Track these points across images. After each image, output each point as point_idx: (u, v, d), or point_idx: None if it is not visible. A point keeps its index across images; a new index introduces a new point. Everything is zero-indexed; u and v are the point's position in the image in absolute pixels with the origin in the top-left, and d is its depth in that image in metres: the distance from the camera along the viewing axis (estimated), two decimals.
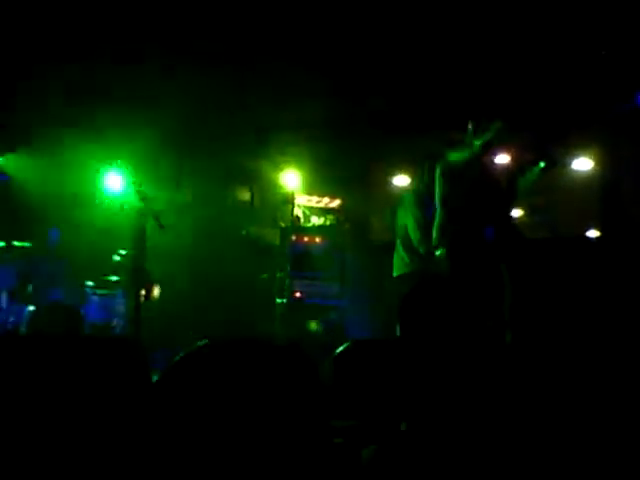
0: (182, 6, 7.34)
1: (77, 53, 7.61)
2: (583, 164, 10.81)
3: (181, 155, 11.63)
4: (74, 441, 3.56)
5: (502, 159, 10.25)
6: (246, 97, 9.55)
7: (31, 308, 7.37)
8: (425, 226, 6.30)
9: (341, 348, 3.72)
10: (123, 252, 7.87)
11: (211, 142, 11.39)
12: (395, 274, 6.53)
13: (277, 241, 9.86)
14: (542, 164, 10.70)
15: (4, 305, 7.36)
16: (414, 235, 6.44)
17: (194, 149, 11.63)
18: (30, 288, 7.63)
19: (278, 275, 9.34)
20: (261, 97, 9.62)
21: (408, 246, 6.47)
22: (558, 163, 10.61)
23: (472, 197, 6.19)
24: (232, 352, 2.71)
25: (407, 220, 6.55)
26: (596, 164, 10.77)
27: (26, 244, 7.57)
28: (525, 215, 10.04)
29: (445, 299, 4.62)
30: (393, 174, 11.75)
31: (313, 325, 7.62)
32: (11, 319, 7.30)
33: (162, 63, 7.94)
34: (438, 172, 6.10)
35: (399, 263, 6.53)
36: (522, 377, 4.41)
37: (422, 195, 6.35)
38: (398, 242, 6.58)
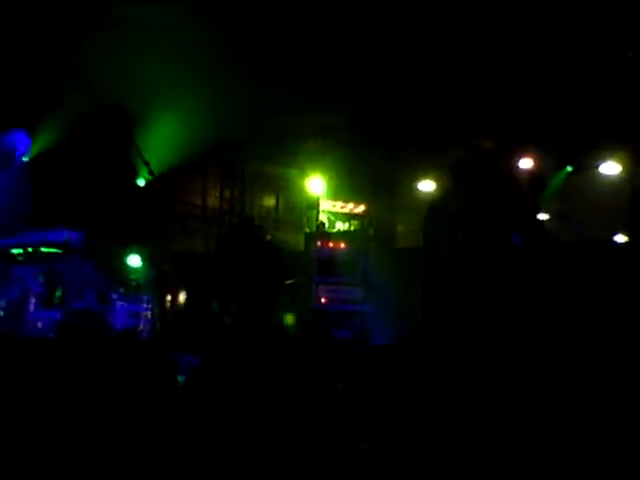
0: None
1: None
2: (611, 168, 10.71)
3: (207, 162, 11.76)
4: (102, 438, 3.62)
5: (527, 163, 10.25)
6: (271, 104, 9.60)
7: (59, 314, 7.44)
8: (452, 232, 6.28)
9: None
10: (147, 257, 7.92)
11: (238, 150, 11.49)
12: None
13: (302, 246, 9.87)
14: (569, 168, 10.68)
15: (32, 310, 7.44)
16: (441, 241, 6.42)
17: (220, 157, 11.73)
18: (58, 294, 7.71)
19: (302, 280, 9.35)
20: (287, 104, 9.67)
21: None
22: (585, 167, 10.56)
23: (494, 202, 6.18)
24: None
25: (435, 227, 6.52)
26: (624, 168, 10.67)
27: (54, 250, 7.65)
28: (551, 219, 9.95)
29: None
30: (418, 179, 11.75)
31: (289, 318, 7.60)
32: (39, 324, 7.37)
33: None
34: (459, 179, 6.12)
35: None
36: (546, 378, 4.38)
37: (449, 202, 6.32)
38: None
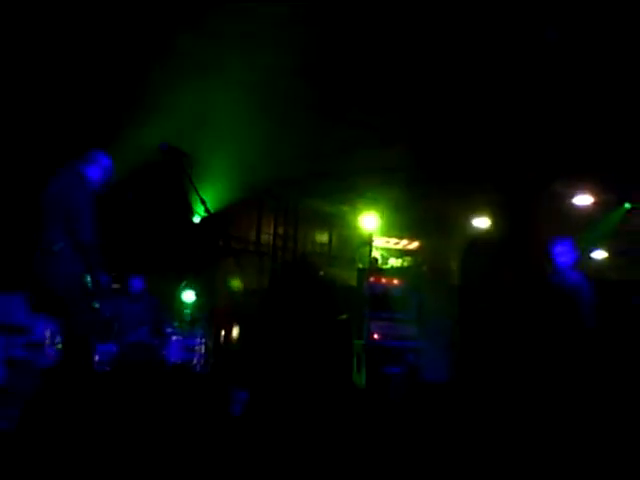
0: None
1: None
2: None
3: (262, 198, 11.90)
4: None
5: (584, 200, 10.10)
6: (327, 142, 9.70)
7: (115, 348, 7.57)
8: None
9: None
10: (202, 292, 8.05)
11: (292, 187, 11.62)
12: None
13: (354, 282, 9.88)
14: (627, 205, 10.48)
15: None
16: None
17: (274, 193, 11.87)
18: (115, 328, 7.86)
19: (356, 316, 9.34)
20: (342, 142, 9.76)
21: None
22: None
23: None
24: None
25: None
26: None
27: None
28: (610, 257, 9.79)
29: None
30: (473, 216, 11.67)
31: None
32: (97, 358, 7.51)
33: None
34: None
35: None
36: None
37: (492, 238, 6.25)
38: None
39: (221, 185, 8.68)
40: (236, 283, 7.56)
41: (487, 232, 6.66)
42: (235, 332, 8.34)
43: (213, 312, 6.85)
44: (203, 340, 7.90)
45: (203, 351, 7.88)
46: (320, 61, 7.75)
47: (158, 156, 4.89)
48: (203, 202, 5.28)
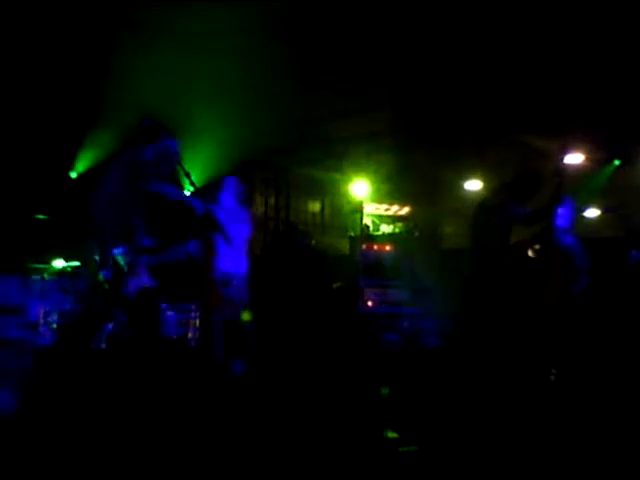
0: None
1: None
2: None
3: (252, 169, 11.84)
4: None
5: (575, 158, 10.06)
6: (315, 110, 9.64)
7: (110, 325, 7.60)
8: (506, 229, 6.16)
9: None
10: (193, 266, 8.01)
11: (282, 156, 11.57)
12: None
13: (347, 250, 9.88)
14: (616, 162, 10.44)
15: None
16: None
17: (264, 163, 11.82)
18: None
19: (349, 284, 9.35)
20: (330, 109, 9.71)
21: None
22: (633, 160, 10.31)
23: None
24: None
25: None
26: None
27: None
28: (600, 214, 9.78)
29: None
30: (465, 179, 11.63)
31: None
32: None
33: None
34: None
35: None
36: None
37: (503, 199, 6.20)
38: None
39: (208, 158, 8.64)
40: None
41: (495, 193, 6.60)
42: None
43: (205, 286, 6.82)
44: (197, 314, 7.92)
45: (198, 325, 7.90)
46: (303, 27, 7.68)
47: (141, 132, 4.86)
48: (188, 176, 5.26)
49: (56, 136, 8.06)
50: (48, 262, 8.35)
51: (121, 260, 4.74)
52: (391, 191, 10.46)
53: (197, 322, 7.94)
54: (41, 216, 8.72)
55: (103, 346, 7.38)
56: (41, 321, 7.68)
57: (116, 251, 4.71)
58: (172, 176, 5.30)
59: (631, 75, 8.27)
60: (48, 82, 7.72)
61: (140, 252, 4.87)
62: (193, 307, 8.04)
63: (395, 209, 9.94)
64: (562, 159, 7.11)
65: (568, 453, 3.71)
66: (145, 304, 4.85)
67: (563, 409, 4.34)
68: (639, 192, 9.60)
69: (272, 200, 12.01)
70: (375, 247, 9.38)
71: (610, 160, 10.16)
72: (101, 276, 4.67)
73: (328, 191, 12.60)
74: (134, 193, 4.86)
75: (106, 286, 4.67)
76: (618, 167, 10.15)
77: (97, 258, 4.69)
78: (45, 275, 8.03)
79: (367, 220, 9.76)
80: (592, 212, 10.90)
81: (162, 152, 4.96)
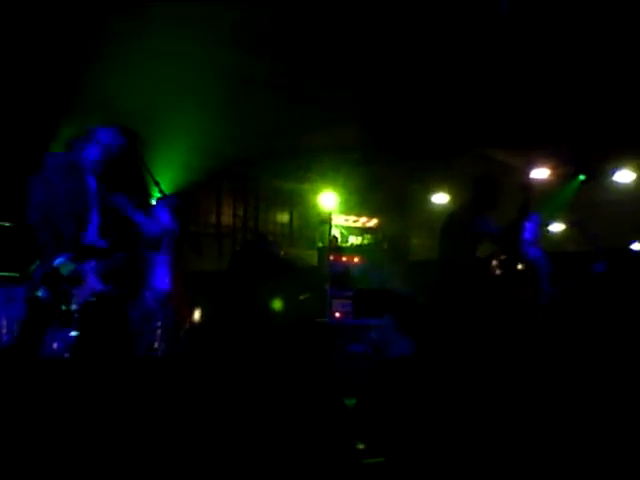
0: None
1: None
2: (625, 176, 10.63)
3: (220, 179, 11.82)
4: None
5: (540, 173, 10.20)
6: (284, 121, 9.65)
7: (74, 333, 7.48)
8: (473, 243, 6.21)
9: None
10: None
11: (251, 166, 11.56)
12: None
13: (315, 261, 9.87)
14: (581, 177, 10.61)
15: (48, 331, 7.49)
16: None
17: (233, 174, 11.80)
18: (76, 315, 7.76)
19: (317, 295, 9.32)
20: (299, 121, 9.72)
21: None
22: (598, 175, 10.49)
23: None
24: None
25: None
26: (639, 176, 10.58)
27: None
28: (566, 228, 9.92)
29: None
30: (432, 192, 11.74)
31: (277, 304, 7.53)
32: (55, 345, 7.42)
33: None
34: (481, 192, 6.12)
35: None
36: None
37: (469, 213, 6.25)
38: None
39: (177, 167, 8.60)
40: (196, 267, 7.50)
41: (462, 206, 6.65)
42: (197, 315, 8.28)
43: (172, 296, 6.77)
44: (160, 323, 7.85)
45: (162, 334, 7.82)
46: (274, 38, 7.69)
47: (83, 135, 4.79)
48: (157, 184, 5.22)
49: (19, 140, 7.97)
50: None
51: (63, 270, 4.51)
52: (360, 203, 10.51)
53: (161, 331, 7.87)
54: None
55: (66, 355, 7.28)
56: None
57: (57, 261, 4.47)
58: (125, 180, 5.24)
59: (596, 91, 8.42)
60: (14, 87, 7.64)
61: (86, 258, 4.64)
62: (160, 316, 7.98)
63: (363, 221, 9.95)
64: (528, 174, 7.23)
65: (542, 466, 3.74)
66: (105, 310, 4.70)
67: (534, 422, 4.37)
68: (603, 207, 9.79)
69: (240, 211, 11.99)
70: (343, 258, 9.37)
71: (575, 175, 10.32)
72: (39, 292, 4.44)
73: (297, 202, 12.62)
74: (78, 196, 4.68)
75: (44, 303, 4.46)
76: (583, 182, 10.32)
77: (34, 269, 4.45)
78: None
79: (335, 231, 9.76)
80: (556, 226, 11.08)
81: (106, 151, 4.85)
